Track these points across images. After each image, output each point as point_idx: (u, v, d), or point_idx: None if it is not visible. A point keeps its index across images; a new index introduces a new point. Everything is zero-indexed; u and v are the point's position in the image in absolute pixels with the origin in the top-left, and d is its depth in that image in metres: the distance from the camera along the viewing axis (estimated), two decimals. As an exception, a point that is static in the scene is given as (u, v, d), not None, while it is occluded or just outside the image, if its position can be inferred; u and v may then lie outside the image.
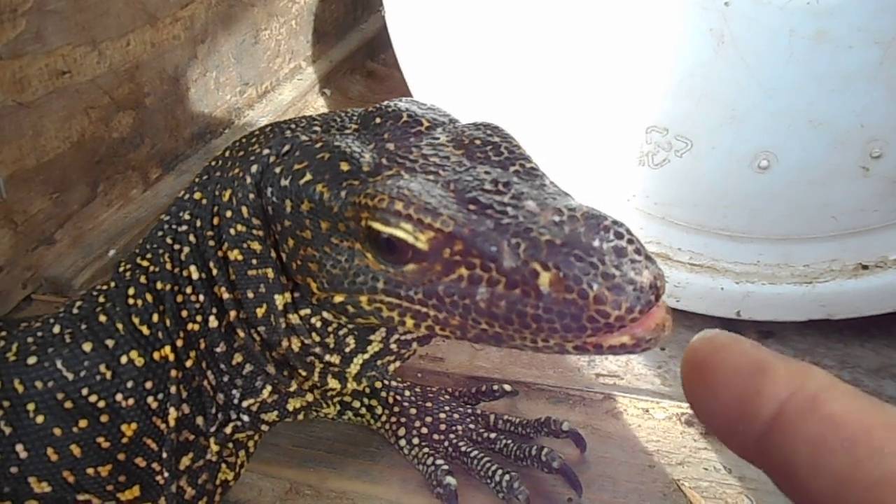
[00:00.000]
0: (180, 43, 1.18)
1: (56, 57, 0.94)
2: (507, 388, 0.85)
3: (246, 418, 0.60)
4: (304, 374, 0.57)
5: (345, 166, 0.48)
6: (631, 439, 0.82)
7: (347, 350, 0.56)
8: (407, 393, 0.82)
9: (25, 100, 0.91)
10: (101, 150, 1.06)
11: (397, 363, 0.59)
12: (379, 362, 0.57)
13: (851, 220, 0.88)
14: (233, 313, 0.56)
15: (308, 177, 0.49)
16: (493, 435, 0.79)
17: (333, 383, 0.58)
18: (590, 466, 0.78)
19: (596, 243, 0.40)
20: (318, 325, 0.54)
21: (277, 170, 0.52)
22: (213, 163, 0.61)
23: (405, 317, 0.47)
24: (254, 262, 0.54)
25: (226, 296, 0.56)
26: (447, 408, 0.81)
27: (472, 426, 0.80)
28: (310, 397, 0.62)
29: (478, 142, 0.50)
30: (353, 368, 0.57)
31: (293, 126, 0.58)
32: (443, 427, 0.79)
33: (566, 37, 0.87)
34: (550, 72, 0.89)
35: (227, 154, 0.60)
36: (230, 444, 0.63)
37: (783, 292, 0.91)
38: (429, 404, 0.81)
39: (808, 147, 0.84)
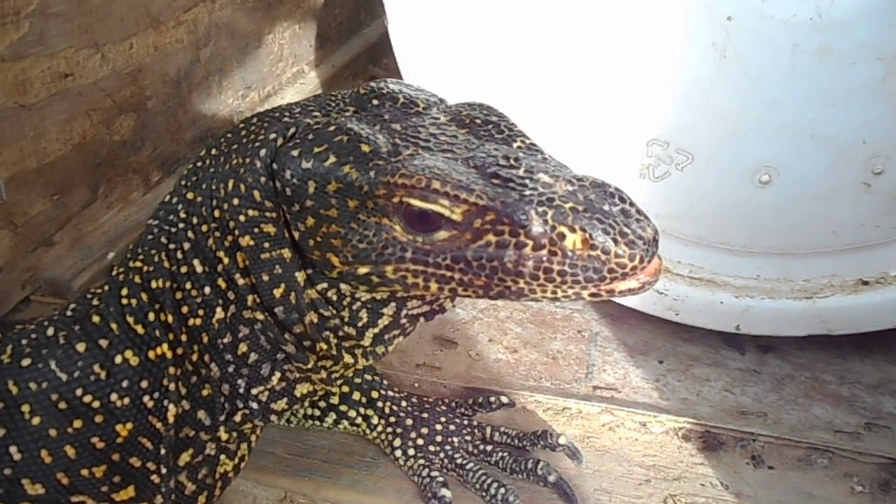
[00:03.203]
0: (183, 46, 1.18)
1: (59, 59, 0.94)
2: (504, 399, 0.85)
3: (255, 406, 0.61)
4: (324, 347, 0.59)
5: (365, 147, 0.52)
6: (627, 453, 0.81)
7: (360, 324, 0.58)
8: (403, 403, 0.81)
9: (27, 102, 0.91)
10: (102, 152, 1.06)
11: (401, 338, 0.61)
12: (387, 336, 0.60)
13: (852, 236, 0.87)
14: (250, 298, 0.57)
15: (332, 159, 0.52)
16: (489, 447, 0.79)
17: (348, 358, 0.60)
18: (586, 480, 0.77)
19: (606, 207, 0.48)
20: (334, 298, 0.57)
21: (295, 153, 0.53)
22: (201, 163, 0.62)
23: (430, 281, 0.52)
24: (266, 245, 0.55)
25: (240, 282, 0.57)
26: (443, 419, 0.81)
27: (467, 438, 0.79)
28: (322, 374, 0.63)
29: (478, 121, 0.55)
30: (366, 342, 0.59)
31: (287, 113, 0.59)
32: (438, 438, 0.78)
33: (568, 48, 0.87)
34: (552, 82, 0.89)
35: (214, 152, 0.61)
36: (234, 434, 0.64)
37: (783, 307, 0.91)
38: (425, 415, 0.81)
39: (810, 162, 0.84)
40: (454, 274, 0.51)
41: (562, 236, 0.47)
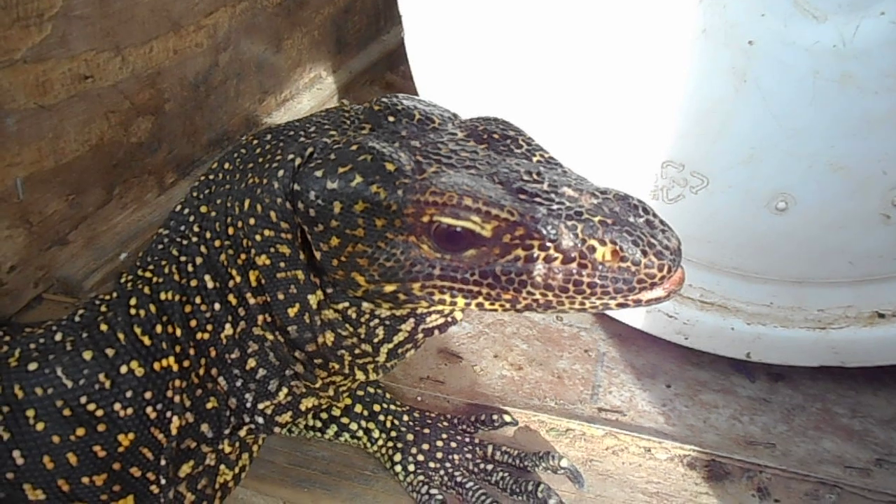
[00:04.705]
0: (202, 51, 1.19)
1: (79, 62, 0.95)
2: (508, 417, 0.84)
3: (261, 420, 0.61)
4: (336, 366, 0.59)
5: (390, 166, 0.52)
6: (631, 479, 0.80)
7: (376, 340, 0.58)
8: (405, 417, 0.81)
9: (47, 103, 0.92)
10: (118, 153, 1.07)
11: (413, 351, 0.62)
12: (401, 350, 0.60)
13: (869, 267, 0.86)
14: (260, 318, 0.57)
15: (359, 178, 0.52)
16: (489, 466, 0.78)
17: (360, 374, 0.61)
18: (586, 505, 0.76)
19: (632, 219, 0.49)
20: (354, 316, 0.57)
21: (318, 173, 0.53)
22: (212, 176, 0.62)
23: (457, 297, 0.52)
24: (282, 265, 0.56)
25: (251, 301, 0.57)
26: (445, 435, 0.80)
27: (468, 456, 0.79)
28: (330, 391, 0.63)
29: (496, 136, 0.55)
30: (381, 358, 0.59)
31: (302, 132, 0.59)
32: (439, 455, 0.78)
33: (584, 66, 0.86)
34: (566, 98, 0.88)
35: (227, 166, 0.61)
36: (236, 444, 0.64)
37: (795, 336, 0.89)
38: (426, 430, 0.80)
39: (828, 191, 0.82)
40: (482, 289, 0.51)
41: (592, 249, 0.48)
